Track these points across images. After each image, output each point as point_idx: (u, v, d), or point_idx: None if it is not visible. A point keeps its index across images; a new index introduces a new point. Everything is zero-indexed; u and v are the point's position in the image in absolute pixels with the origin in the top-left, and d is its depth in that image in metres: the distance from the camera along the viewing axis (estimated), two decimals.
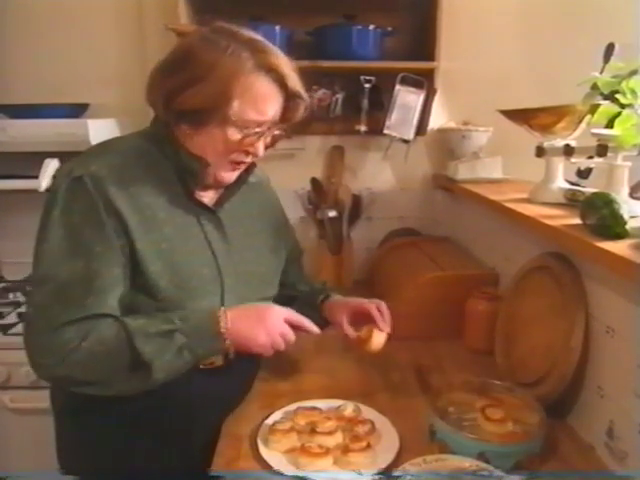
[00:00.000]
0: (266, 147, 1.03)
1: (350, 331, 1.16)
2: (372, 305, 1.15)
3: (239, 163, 1.02)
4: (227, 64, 0.92)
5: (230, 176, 1.03)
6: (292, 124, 1.03)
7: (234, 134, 0.96)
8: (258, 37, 0.98)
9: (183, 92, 0.93)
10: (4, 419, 1.62)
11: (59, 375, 0.91)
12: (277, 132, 1.02)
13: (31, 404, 1.56)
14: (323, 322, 1.17)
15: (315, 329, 1.06)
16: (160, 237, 0.95)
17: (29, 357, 0.91)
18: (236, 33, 0.96)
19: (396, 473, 0.86)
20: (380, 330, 1.13)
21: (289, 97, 0.99)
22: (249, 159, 1.02)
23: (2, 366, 1.58)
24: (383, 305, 1.16)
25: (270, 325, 0.99)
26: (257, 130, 0.97)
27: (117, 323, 0.91)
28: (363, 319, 1.16)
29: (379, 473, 0.89)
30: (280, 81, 0.96)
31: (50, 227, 0.89)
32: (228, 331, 0.95)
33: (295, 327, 1.03)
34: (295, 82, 0.98)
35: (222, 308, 0.97)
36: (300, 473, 0.90)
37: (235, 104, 0.93)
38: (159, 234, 0.95)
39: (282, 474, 0.90)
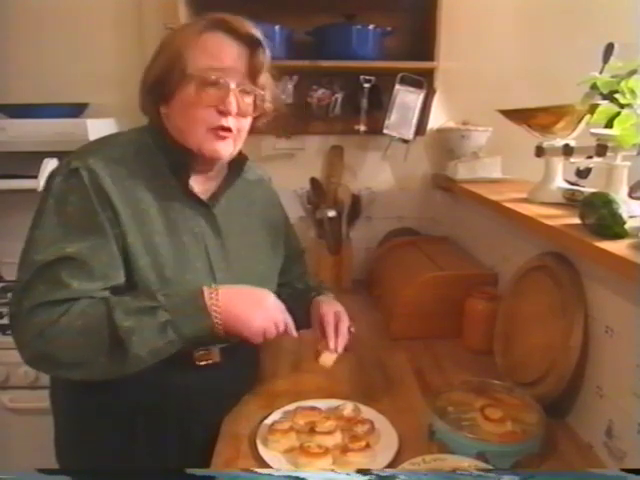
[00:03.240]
0: (246, 114, 0.99)
1: (316, 336, 1.14)
2: (331, 321, 1.12)
3: (217, 129, 0.97)
4: (182, 33, 0.98)
5: (216, 147, 0.98)
6: (277, 106, 1.04)
7: (197, 89, 0.95)
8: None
9: (149, 70, 0.98)
10: (3, 419, 1.61)
11: (40, 352, 0.87)
12: (249, 89, 0.98)
13: (30, 404, 1.56)
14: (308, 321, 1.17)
15: (294, 333, 1.03)
16: (153, 230, 0.95)
17: (14, 339, 0.89)
18: (211, 14, 0.98)
19: (387, 473, 0.86)
20: (329, 349, 1.10)
21: (247, 44, 0.97)
22: (227, 122, 0.97)
23: (1, 366, 1.58)
24: (343, 323, 1.13)
25: (267, 311, 0.97)
26: (217, 78, 0.94)
27: (99, 299, 0.89)
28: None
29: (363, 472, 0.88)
30: (232, 30, 0.96)
31: (44, 215, 0.90)
32: (219, 309, 0.92)
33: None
34: (246, 27, 0.97)
35: (213, 285, 0.95)
36: (292, 473, 0.89)
37: (188, 58, 0.95)
38: (152, 227, 0.95)
39: (258, 473, 0.88)
